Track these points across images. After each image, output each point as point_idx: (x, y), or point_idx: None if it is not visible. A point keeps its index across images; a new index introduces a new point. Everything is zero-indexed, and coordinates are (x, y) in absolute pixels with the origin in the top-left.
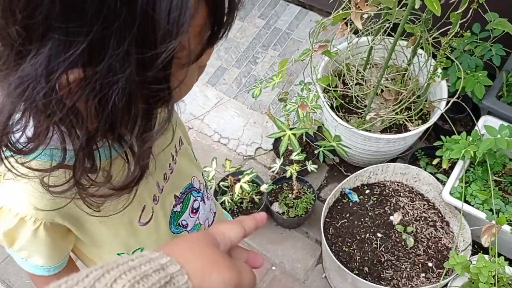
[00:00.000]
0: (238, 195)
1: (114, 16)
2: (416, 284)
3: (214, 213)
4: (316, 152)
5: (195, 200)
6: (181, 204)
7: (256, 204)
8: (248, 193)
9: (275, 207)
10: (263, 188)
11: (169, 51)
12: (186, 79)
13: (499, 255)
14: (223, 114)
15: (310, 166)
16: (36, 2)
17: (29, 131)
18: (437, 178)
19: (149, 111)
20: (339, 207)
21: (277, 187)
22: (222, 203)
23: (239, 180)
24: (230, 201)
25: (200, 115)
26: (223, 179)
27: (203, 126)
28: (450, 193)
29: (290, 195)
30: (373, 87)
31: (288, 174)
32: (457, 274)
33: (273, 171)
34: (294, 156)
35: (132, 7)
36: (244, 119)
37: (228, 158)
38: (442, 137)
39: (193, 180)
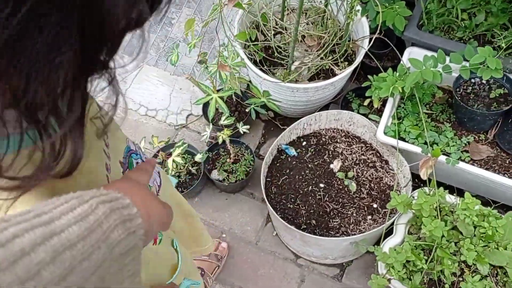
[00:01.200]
0: (172, 170)
1: None
2: (364, 228)
3: (158, 172)
4: (247, 110)
5: (136, 163)
6: (127, 169)
7: (195, 175)
8: (183, 166)
9: (214, 175)
10: (198, 158)
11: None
12: None
13: (439, 184)
14: (146, 85)
15: (242, 128)
16: None
17: None
18: (370, 119)
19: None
20: (278, 164)
21: (213, 154)
22: None
23: (170, 154)
24: None
25: (122, 90)
26: (154, 156)
27: (127, 100)
28: (385, 133)
29: (228, 160)
30: (293, 34)
31: (220, 140)
32: (401, 212)
33: (204, 140)
34: (223, 121)
35: None
36: (169, 87)
37: (156, 134)
38: (370, 76)
39: (128, 142)
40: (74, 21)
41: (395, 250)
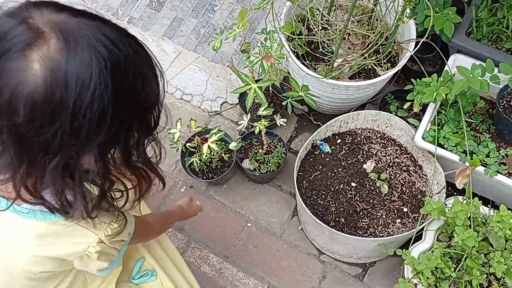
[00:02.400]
0: (206, 156)
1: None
2: (392, 231)
3: None
4: (284, 103)
5: None
6: None
7: (226, 162)
8: (217, 153)
9: (246, 164)
10: (232, 146)
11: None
12: None
13: (473, 195)
14: (184, 69)
15: (279, 121)
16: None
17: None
18: (408, 122)
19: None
20: (311, 159)
21: (246, 143)
22: (191, 164)
23: (206, 140)
24: (198, 161)
25: None
26: (189, 140)
27: (164, 83)
28: (423, 138)
29: (260, 150)
30: (340, 31)
31: (256, 131)
32: (433, 218)
33: (241, 128)
34: (261, 111)
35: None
36: (206, 73)
37: (193, 118)
38: (413, 80)
39: None
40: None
41: (425, 256)
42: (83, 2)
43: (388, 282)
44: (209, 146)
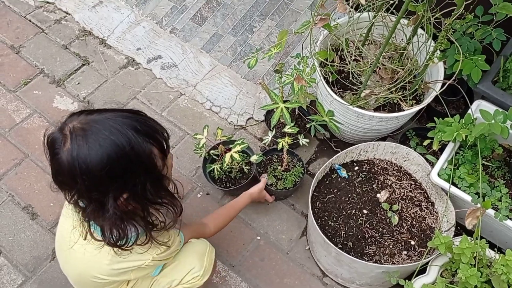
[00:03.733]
0: (228, 164)
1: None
2: (397, 261)
3: None
4: (307, 126)
5: None
6: None
7: (245, 174)
8: (238, 163)
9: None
10: (253, 158)
11: (158, 169)
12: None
13: (481, 238)
14: (216, 82)
15: (302, 140)
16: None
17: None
18: (426, 159)
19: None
20: (327, 182)
21: (266, 158)
22: (211, 171)
23: (229, 150)
24: (219, 170)
25: (194, 83)
26: (213, 148)
27: (196, 93)
28: (438, 174)
29: (279, 167)
30: (371, 64)
31: (279, 146)
32: (439, 253)
33: (264, 143)
34: (287, 129)
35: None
36: (237, 88)
37: (219, 127)
38: (436, 118)
39: None
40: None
41: None
42: (131, 9)
43: None
44: (232, 155)
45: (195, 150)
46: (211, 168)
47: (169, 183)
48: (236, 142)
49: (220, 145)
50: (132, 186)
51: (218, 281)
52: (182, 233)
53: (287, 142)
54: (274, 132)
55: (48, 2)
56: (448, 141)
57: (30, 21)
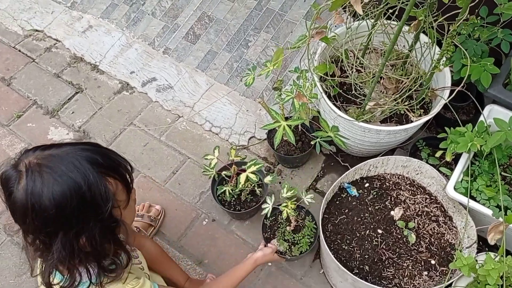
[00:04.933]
0: (243, 186)
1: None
2: (418, 283)
3: None
4: (312, 142)
5: None
6: None
7: (256, 197)
8: (251, 184)
9: (274, 244)
10: (268, 180)
11: (107, 210)
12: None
13: (506, 252)
14: (215, 102)
15: (306, 199)
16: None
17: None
18: (440, 171)
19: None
20: (337, 202)
21: (271, 220)
22: (223, 193)
23: (242, 171)
24: (231, 192)
25: (191, 104)
26: (224, 168)
27: (194, 114)
28: (455, 188)
29: (287, 228)
30: (373, 75)
31: (284, 216)
32: (462, 274)
33: (264, 214)
34: (285, 194)
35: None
36: (236, 106)
37: (232, 147)
38: (447, 129)
39: None
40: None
41: None
42: (122, 31)
43: None
44: (247, 176)
45: (204, 171)
46: (222, 190)
47: (125, 231)
48: (250, 163)
49: (234, 166)
50: (80, 229)
51: None
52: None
53: (292, 208)
54: (273, 197)
55: (37, 30)
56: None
57: (19, 51)
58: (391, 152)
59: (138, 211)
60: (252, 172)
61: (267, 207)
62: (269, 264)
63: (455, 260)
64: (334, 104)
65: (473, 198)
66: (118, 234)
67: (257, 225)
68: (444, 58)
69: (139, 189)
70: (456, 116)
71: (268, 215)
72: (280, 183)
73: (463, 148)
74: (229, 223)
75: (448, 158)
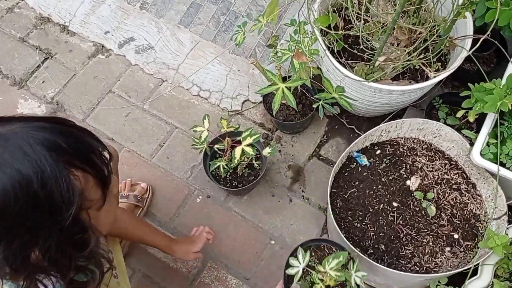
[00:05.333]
0: (238, 160)
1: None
2: (441, 261)
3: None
4: (314, 105)
5: None
6: None
7: (254, 170)
8: (248, 158)
9: None
10: (266, 152)
11: (70, 214)
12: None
13: None
14: (202, 62)
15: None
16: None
17: None
18: (461, 133)
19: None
20: (346, 174)
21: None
22: (217, 169)
23: (237, 143)
24: (225, 166)
25: (175, 65)
26: (217, 140)
27: (179, 77)
28: (481, 154)
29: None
30: (383, 24)
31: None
32: (492, 252)
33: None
34: (328, 269)
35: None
36: (226, 66)
37: (222, 117)
38: (471, 85)
39: None
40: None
41: None
42: None
43: None
44: (243, 150)
45: (194, 145)
46: (216, 165)
47: (96, 241)
48: (246, 134)
49: (227, 138)
50: (30, 240)
51: None
52: None
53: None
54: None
55: None
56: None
57: None
58: (402, 111)
59: (121, 191)
60: (249, 145)
61: (296, 270)
62: (272, 242)
63: (487, 240)
64: (338, 61)
65: (502, 164)
66: (87, 245)
67: (257, 199)
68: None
69: (123, 165)
70: (481, 69)
71: (296, 280)
72: (280, 151)
73: (492, 109)
74: (226, 199)
75: (471, 118)
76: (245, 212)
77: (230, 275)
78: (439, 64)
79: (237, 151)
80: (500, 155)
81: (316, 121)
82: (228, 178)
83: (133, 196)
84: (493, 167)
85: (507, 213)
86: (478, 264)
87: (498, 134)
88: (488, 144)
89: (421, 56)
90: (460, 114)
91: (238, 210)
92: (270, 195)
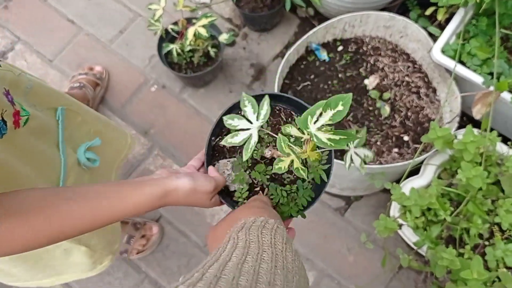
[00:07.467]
0: (191, 43)
1: None
2: (386, 160)
3: None
4: None
5: None
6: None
7: (210, 60)
8: (203, 42)
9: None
10: (223, 38)
11: None
12: None
13: (491, 130)
14: None
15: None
16: None
17: None
18: (429, 32)
19: None
20: (302, 66)
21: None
22: (169, 53)
23: (193, 24)
24: (179, 51)
25: None
26: (175, 23)
27: None
28: (442, 51)
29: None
30: None
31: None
32: (436, 150)
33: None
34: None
35: None
36: None
37: (174, 8)
38: None
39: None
40: None
41: (417, 192)
42: None
43: (371, 220)
44: (196, 31)
45: (149, 26)
46: (168, 49)
47: None
48: (202, 15)
49: (182, 19)
50: None
51: None
52: None
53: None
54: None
55: None
56: (457, 8)
57: None
58: None
59: (80, 70)
60: (203, 26)
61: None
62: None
63: (429, 131)
64: None
65: (462, 63)
66: None
67: (213, 94)
68: None
69: (81, 48)
70: None
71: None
72: (244, 48)
73: (457, 0)
74: (181, 91)
75: (440, 16)
76: (200, 105)
77: (176, 164)
78: None
79: (190, 31)
80: (462, 54)
81: (286, 21)
82: (183, 67)
83: (92, 74)
84: (451, 63)
85: (459, 116)
86: (421, 164)
87: (462, 31)
88: (452, 43)
89: None
90: (429, 11)
91: (193, 102)
92: (227, 91)
